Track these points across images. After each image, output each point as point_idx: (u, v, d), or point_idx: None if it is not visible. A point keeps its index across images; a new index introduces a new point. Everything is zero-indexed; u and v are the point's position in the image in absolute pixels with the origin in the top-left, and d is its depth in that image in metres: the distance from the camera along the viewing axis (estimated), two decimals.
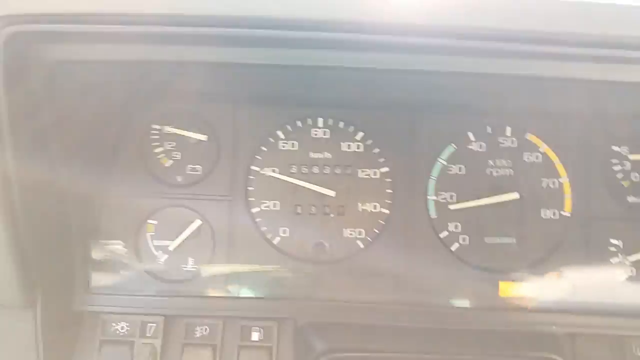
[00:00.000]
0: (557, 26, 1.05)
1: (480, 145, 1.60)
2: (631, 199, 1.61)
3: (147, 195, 1.56)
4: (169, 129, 1.57)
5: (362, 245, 1.57)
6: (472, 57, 1.13)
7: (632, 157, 1.61)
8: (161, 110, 1.58)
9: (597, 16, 1.06)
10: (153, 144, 1.57)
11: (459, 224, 1.58)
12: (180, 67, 1.27)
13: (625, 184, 1.61)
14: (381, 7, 1.04)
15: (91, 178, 1.48)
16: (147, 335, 1.47)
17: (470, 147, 1.60)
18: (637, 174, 1.61)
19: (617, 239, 1.59)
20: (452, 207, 1.58)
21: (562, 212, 1.59)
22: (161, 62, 1.21)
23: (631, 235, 1.59)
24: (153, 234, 1.55)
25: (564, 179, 1.59)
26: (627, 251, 1.58)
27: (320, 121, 1.59)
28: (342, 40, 1.07)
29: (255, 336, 1.48)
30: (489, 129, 1.60)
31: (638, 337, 1.52)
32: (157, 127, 1.58)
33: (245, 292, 1.54)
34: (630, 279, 1.58)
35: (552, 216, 1.59)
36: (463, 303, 1.57)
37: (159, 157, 1.57)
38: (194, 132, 1.56)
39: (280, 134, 1.58)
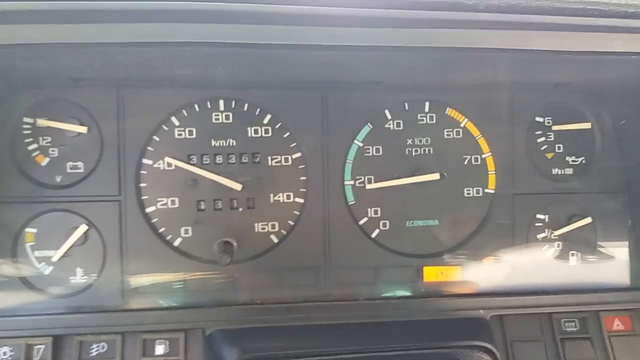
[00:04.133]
0: None
1: (398, 124, 1.49)
2: (555, 171, 1.56)
3: (23, 199, 1.35)
4: (42, 122, 1.36)
5: (276, 240, 1.45)
6: (380, 29, 0.99)
7: (555, 127, 1.55)
8: (32, 101, 1.36)
9: None
10: (25, 140, 1.36)
11: (378, 208, 1.48)
12: (47, 50, 1.06)
13: (549, 155, 1.56)
14: None
15: None
16: (35, 358, 1.31)
17: (387, 126, 1.48)
18: (561, 145, 1.56)
19: (543, 214, 1.54)
20: (368, 186, 1.47)
21: (486, 190, 1.52)
22: (26, 45, 1.01)
23: (556, 209, 1.55)
24: (33, 244, 1.36)
25: (487, 155, 1.51)
26: (553, 225, 1.54)
27: (221, 104, 1.42)
28: (237, 12, 0.91)
29: (160, 349, 1.34)
30: (406, 106, 1.49)
31: (567, 312, 1.50)
32: (29, 120, 1.36)
33: (146, 303, 1.39)
34: (557, 254, 1.55)
35: (475, 194, 1.51)
36: (387, 292, 1.48)
37: (33, 155, 1.36)
38: (72, 123, 1.36)
39: (174, 120, 1.40)
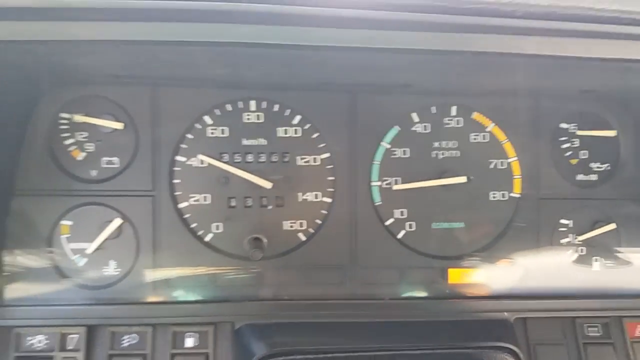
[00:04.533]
0: None
1: (425, 127, 1.50)
2: (580, 177, 1.57)
3: (59, 193, 1.39)
4: (79, 118, 1.39)
5: (303, 238, 1.47)
6: (411, 32, 1.02)
7: (580, 133, 1.56)
8: (69, 97, 1.39)
9: None
10: (62, 135, 1.39)
11: (405, 210, 1.50)
12: (89, 46, 1.09)
13: (574, 161, 1.57)
14: None
15: None
16: (68, 348, 1.33)
17: (414, 128, 1.50)
18: (585, 151, 1.57)
19: (567, 219, 1.55)
20: (395, 187, 1.49)
21: (511, 194, 1.53)
22: (65, 42, 1.04)
23: (581, 214, 1.55)
24: (68, 236, 1.39)
25: (513, 159, 1.52)
26: (577, 230, 1.55)
27: (252, 104, 1.45)
28: (269, 13, 0.93)
29: (189, 342, 1.36)
30: (433, 109, 1.51)
31: (589, 317, 1.50)
32: (66, 115, 1.39)
33: (177, 296, 1.41)
34: (581, 259, 1.55)
35: (501, 198, 1.52)
36: (412, 293, 1.50)
37: (69, 149, 1.39)
38: (108, 120, 1.39)
39: (207, 119, 1.43)
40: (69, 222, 1.39)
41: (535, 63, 1.20)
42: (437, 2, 0.94)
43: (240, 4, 0.90)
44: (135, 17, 0.97)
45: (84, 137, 1.39)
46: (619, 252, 1.56)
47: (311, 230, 1.47)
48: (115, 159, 1.40)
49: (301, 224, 1.46)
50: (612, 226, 1.55)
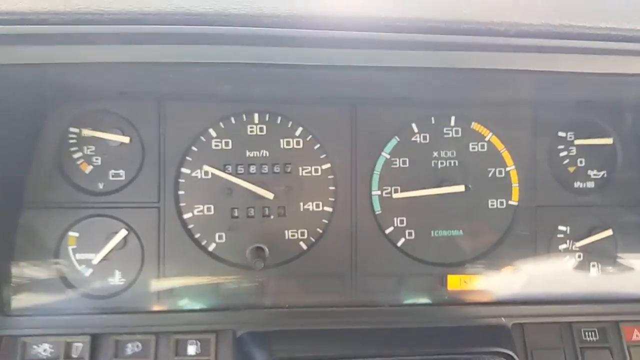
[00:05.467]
0: (497, 16, 0.97)
1: (424, 137, 1.53)
2: (577, 184, 1.59)
3: (67, 205, 1.42)
4: (87, 132, 1.42)
5: (305, 247, 1.49)
6: (408, 51, 1.04)
7: (577, 142, 1.59)
8: (78, 112, 1.42)
9: (539, 5, 0.98)
10: (71, 149, 1.43)
11: (404, 218, 1.52)
12: (98, 67, 1.12)
13: (571, 169, 1.59)
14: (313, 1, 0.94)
15: (3, 191, 1.34)
16: (73, 356, 1.36)
17: (414, 139, 1.53)
18: (582, 159, 1.59)
19: (565, 226, 1.57)
20: (395, 195, 1.51)
21: (509, 202, 1.55)
22: (75, 64, 1.07)
23: (578, 221, 1.57)
24: (75, 247, 1.42)
25: (511, 168, 1.55)
26: (574, 237, 1.57)
27: (256, 117, 1.48)
28: (273, 36, 0.96)
29: (191, 350, 1.39)
30: (432, 120, 1.53)
31: (587, 322, 1.53)
32: (75, 130, 1.43)
33: (180, 305, 1.44)
34: (578, 265, 1.57)
35: (499, 206, 1.55)
36: (411, 300, 1.52)
37: (77, 162, 1.43)
38: (115, 134, 1.42)
39: (212, 132, 1.46)
40: (76, 234, 1.42)
41: (532, 77, 1.23)
42: (433, 23, 0.96)
43: (244, 28, 0.92)
44: (142, 40, 0.99)
45: (91, 151, 1.43)
46: (616, 257, 1.58)
47: (312, 239, 1.50)
48: (121, 172, 1.43)
49: (302, 233, 1.49)
50: (609, 232, 1.57)
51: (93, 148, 1.42)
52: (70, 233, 1.42)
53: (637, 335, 1.54)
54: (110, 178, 1.43)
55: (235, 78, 1.22)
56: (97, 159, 1.43)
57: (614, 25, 1.01)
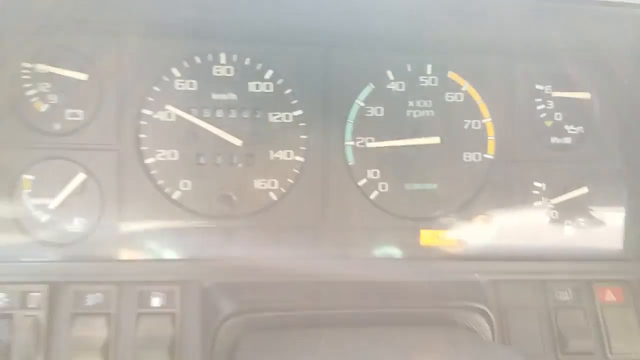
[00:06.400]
0: None
1: (400, 85, 1.48)
2: (554, 139, 1.57)
3: (20, 146, 1.34)
4: (42, 67, 1.34)
5: (275, 197, 1.44)
6: None
7: (555, 94, 1.56)
8: (32, 46, 1.34)
9: None
10: (24, 85, 1.34)
11: (377, 170, 1.48)
12: None
13: (548, 123, 1.56)
14: None
15: None
16: (29, 306, 1.28)
17: (389, 86, 1.48)
18: (560, 114, 1.56)
19: (540, 182, 1.55)
20: (369, 145, 1.47)
21: (485, 155, 1.52)
22: None
23: (554, 177, 1.55)
24: (30, 191, 1.34)
25: (487, 120, 1.51)
26: (550, 194, 1.55)
27: (222, 57, 1.41)
28: None
29: (155, 302, 1.33)
30: (409, 68, 1.49)
31: (560, 280, 1.51)
32: (28, 65, 1.34)
33: (143, 254, 1.38)
34: (553, 222, 1.55)
35: (474, 159, 1.52)
36: (384, 253, 1.49)
37: (32, 100, 1.34)
38: (72, 70, 1.34)
39: (175, 71, 1.39)
40: (31, 177, 1.34)
41: (512, 13, 1.19)
42: None
43: None
44: None
45: (47, 88, 1.34)
46: (591, 216, 1.56)
47: (283, 190, 1.45)
48: (79, 111, 1.35)
49: (272, 183, 1.44)
50: (584, 190, 1.55)
51: (48, 85, 1.34)
52: (25, 176, 1.34)
53: (609, 296, 1.53)
54: (67, 118, 1.35)
55: (199, 3, 1.15)
56: (52, 97, 1.35)
57: None
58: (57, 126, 1.35)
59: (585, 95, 1.56)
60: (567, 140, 1.57)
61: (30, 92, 1.34)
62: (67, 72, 1.34)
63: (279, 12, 1.22)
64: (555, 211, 1.55)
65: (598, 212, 1.56)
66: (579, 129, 1.57)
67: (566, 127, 1.56)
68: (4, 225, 1.34)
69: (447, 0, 1.08)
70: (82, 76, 1.34)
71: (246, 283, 1.37)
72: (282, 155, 1.44)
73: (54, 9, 1.21)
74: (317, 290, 1.39)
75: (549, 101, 1.55)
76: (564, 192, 1.55)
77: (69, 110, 1.35)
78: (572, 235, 1.55)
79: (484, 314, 1.38)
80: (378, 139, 1.47)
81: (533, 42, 1.45)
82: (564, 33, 1.39)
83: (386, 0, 1.08)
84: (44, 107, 1.35)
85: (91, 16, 1.26)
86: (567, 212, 1.55)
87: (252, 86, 1.42)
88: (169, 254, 1.39)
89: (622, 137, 1.57)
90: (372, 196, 1.48)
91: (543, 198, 1.55)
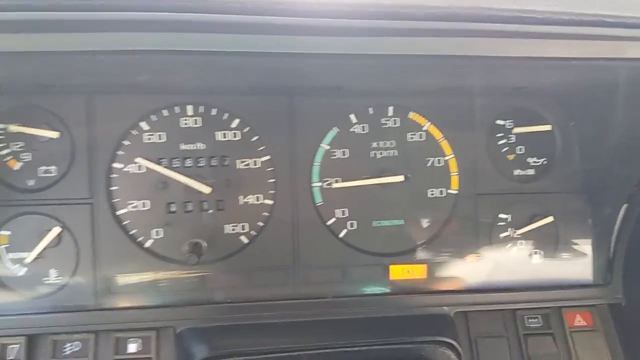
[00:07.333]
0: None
1: (363, 127, 1.53)
2: (517, 172, 1.61)
3: None
4: (14, 128, 1.39)
5: (246, 241, 1.48)
6: (342, 37, 1.02)
7: (516, 130, 1.60)
8: (4, 107, 1.39)
9: None
10: None
11: (345, 209, 1.52)
12: (19, 57, 1.09)
13: (511, 157, 1.60)
14: None
15: None
16: (9, 358, 1.33)
17: (352, 129, 1.52)
18: (522, 147, 1.61)
19: (506, 213, 1.59)
20: (335, 185, 1.51)
21: (449, 190, 1.56)
22: None
23: (519, 209, 1.59)
24: (7, 246, 1.39)
25: (450, 157, 1.56)
26: (515, 224, 1.59)
27: (189, 109, 1.45)
28: (203, 22, 0.94)
29: (132, 348, 1.38)
30: (371, 110, 1.53)
31: (530, 309, 1.55)
32: (1, 126, 1.39)
33: (119, 302, 1.42)
34: (520, 252, 1.59)
35: (439, 195, 1.56)
36: (355, 290, 1.52)
37: (5, 159, 1.39)
38: (43, 129, 1.39)
39: (144, 125, 1.43)
40: (7, 232, 1.39)
41: (464, 62, 1.22)
42: (360, 8, 0.95)
43: (164, 14, 0.90)
44: (58, 28, 0.96)
45: (19, 147, 1.39)
46: (557, 244, 1.60)
47: (253, 233, 1.48)
48: (52, 168, 1.40)
49: (243, 226, 1.48)
50: (550, 219, 1.59)
51: (21, 144, 1.39)
52: (1, 232, 1.38)
53: (579, 321, 1.57)
54: (41, 174, 1.40)
55: (159, 67, 1.20)
56: (26, 155, 1.39)
57: (523, 7, 1.01)
58: (31, 182, 1.39)
59: (547, 128, 1.60)
60: (531, 172, 1.61)
61: (3, 152, 1.39)
62: (39, 131, 1.38)
63: (243, 68, 1.26)
64: (522, 241, 1.59)
65: (565, 240, 1.60)
66: (542, 160, 1.61)
67: (529, 159, 1.61)
68: None
69: (396, 60, 1.11)
70: (54, 134, 1.39)
71: (218, 327, 1.40)
72: (251, 199, 1.48)
73: (22, 74, 1.25)
74: (289, 330, 1.43)
75: (510, 136, 1.59)
76: (530, 222, 1.58)
77: (42, 167, 1.40)
78: (540, 264, 1.59)
79: (451, 347, 1.41)
80: (344, 179, 1.51)
81: (490, 83, 1.49)
82: (521, 77, 1.43)
83: (340, 60, 1.11)
84: (17, 165, 1.39)
85: (58, 81, 1.30)
86: (534, 241, 1.59)
87: (219, 135, 1.46)
88: (144, 301, 1.43)
89: (585, 166, 1.60)
90: (341, 234, 1.52)
91: (509, 229, 1.58)
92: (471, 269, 1.56)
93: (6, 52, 1.03)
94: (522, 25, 0.98)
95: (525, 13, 0.97)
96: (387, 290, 1.53)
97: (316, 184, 1.51)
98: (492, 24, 0.97)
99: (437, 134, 1.55)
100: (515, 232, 1.58)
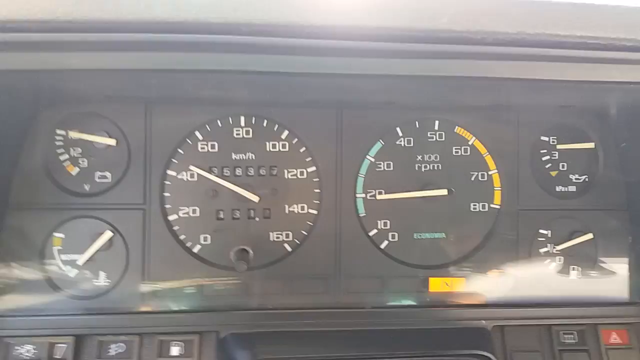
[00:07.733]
0: (473, 25, 0.99)
1: (409, 141, 1.55)
2: (559, 188, 1.62)
3: (52, 206, 1.43)
4: (74, 134, 1.43)
5: (289, 249, 1.51)
6: (390, 59, 1.05)
7: (560, 146, 1.61)
8: (65, 115, 1.43)
9: (515, 14, 1.01)
10: (57, 150, 1.43)
11: (388, 221, 1.54)
12: (83, 74, 1.13)
13: (554, 173, 1.61)
14: (301, 10, 0.95)
15: None
16: (56, 356, 1.37)
17: (398, 142, 1.54)
18: (564, 164, 1.61)
19: (546, 229, 1.59)
20: (379, 197, 1.53)
21: (491, 205, 1.58)
22: (62, 70, 1.07)
23: (559, 225, 1.60)
24: (60, 248, 1.43)
25: (493, 172, 1.57)
26: (555, 240, 1.60)
27: (242, 120, 1.49)
28: (260, 45, 0.97)
29: (175, 351, 1.41)
30: (417, 124, 1.55)
31: (566, 325, 1.55)
32: (62, 132, 1.44)
33: (164, 306, 1.46)
34: (559, 268, 1.60)
35: (481, 209, 1.57)
36: (394, 301, 1.54)
37: (64, 164, 1.44)
38: (102, 136, 1.43)
39: (198, 134, 1.47)
40: (61, 235, 1.43)
41: (512, 84, 1.24)
42: (410, 32, 0.98)
43: (223, 37, 0.94)
44: (125, 48, 0.99)
45: (78, 153, 1.43)
46: (596, 261, 1.60)
47: (297, 241, 1.51)
48: (107, 174, 1.44)
49: (287, 235, 1.51)
50: (590, 236, 1.59)
51: (80, 150, 1.43)
52: (56, 234, 1.43)
53: (614, 339, 1.56)
54: (96, 180, 1.44)
55: (219, 84, 1.23)
56: (83, 161, 1.43)
57: (588, 34, 1.03)
58: (86, 187, 1.44)
59: (590, 146, 1.61)
60: (572, 188, 1.61)
61: (62, 157, 1.44)
62: (97, 137, 1.43)
63: (294, 88, 1.29)
64: (561, 257, 1.60)
65: (603, 257, 1.60)
66: (584, 177, 1.62)
67: (571, 176, 1.61)
68: (35, 282, 1.42)
69: (449, 81, 1.14)
70: (111, 141, 1.43)
71: (260, 333, 1.43)
72: (296, 208, 1.51)
73: (86, 88, 1.29)
74: (329, 339, 1.45)
75: (553, 152, 1.60)
76: (570, 238, 1.59)
77: (98, 173, 1.44)
78: (577, 281, 1.60)
79: None
80: (388, 192, 1.53)
81: (536, 101, 1.50)
82: (566, 97, 1.44)
83: (389, 80, 1.14)
84: (75, 170, 1.44)
85: (122, 92, 1.34)
86: (573, 258, 1.60)
87: (269, 145, 1.50)
88: (189, 305, 1.46)
89: (626, 185, 1.61)
90: (383, 246, 1.54)
91: (549, 244, 1.59)
92: (509, 284, 1.57)
93: (77, 70, 1.06)
94: (587, 52, 1.00)
95: (590, 39, 0.99)
96: (426, 302, 1.55)
97: (360, 195, 1.53)
98: (557, 50, 0.99)
99: (482, 149, 1.56)
100: (554, 248, 1.59)
